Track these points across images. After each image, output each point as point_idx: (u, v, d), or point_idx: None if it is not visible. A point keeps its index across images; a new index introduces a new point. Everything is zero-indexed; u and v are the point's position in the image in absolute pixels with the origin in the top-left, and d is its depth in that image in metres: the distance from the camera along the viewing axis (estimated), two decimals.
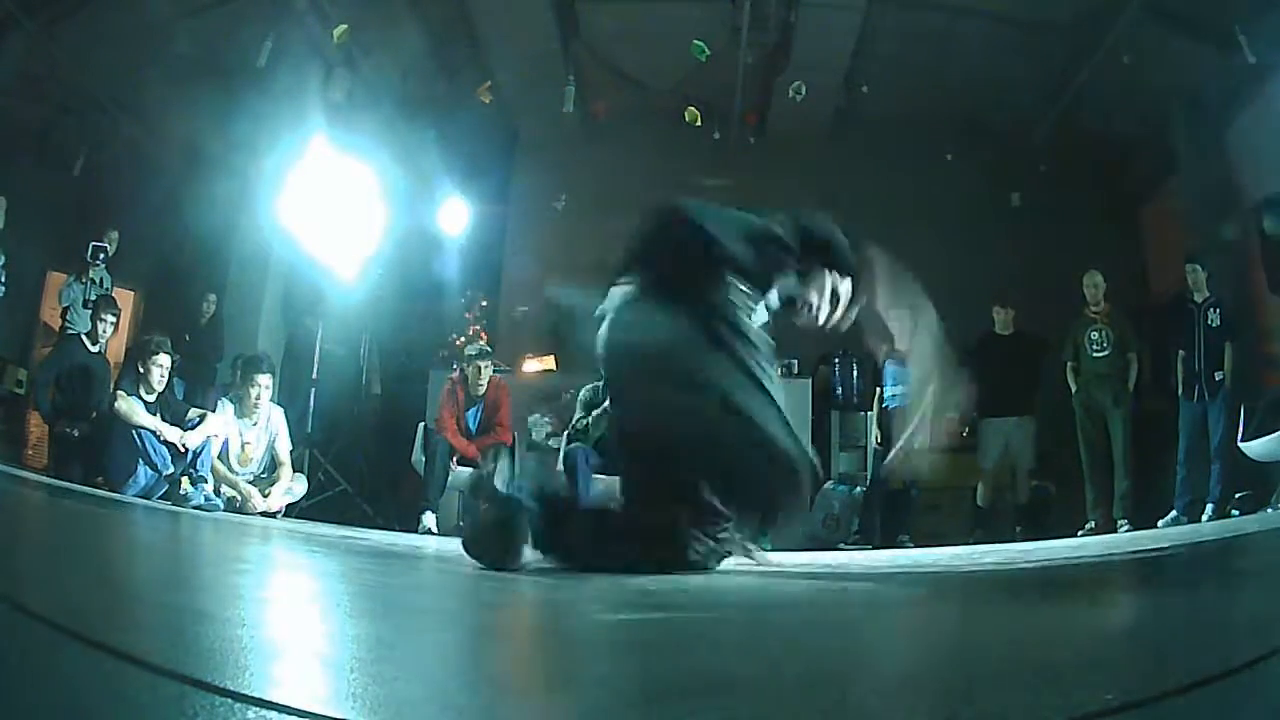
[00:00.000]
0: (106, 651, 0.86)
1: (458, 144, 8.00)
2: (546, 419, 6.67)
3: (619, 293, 2.52)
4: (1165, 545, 3.79)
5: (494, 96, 7.92)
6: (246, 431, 5.38)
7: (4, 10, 5.83)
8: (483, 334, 7.79)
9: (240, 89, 6.74)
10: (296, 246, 6.81)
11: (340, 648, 1.15)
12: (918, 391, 6.26)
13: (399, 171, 7.29)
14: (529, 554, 2.36)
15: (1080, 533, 5.61)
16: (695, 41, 6.88)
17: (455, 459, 5.79)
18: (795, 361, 7.02)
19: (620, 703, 0.87)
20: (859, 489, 6.34)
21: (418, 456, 6.05)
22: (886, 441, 6.17)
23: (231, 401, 5.39)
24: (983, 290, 6.63)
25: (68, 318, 6.14)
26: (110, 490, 4.85)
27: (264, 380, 5.39)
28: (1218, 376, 5.62)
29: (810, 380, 7.10)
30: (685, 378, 2.29)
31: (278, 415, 5.52)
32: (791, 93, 7.59)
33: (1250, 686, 0.87)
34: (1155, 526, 5.45)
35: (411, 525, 5.58)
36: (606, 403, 5.62)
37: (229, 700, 0.72)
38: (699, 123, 7.69)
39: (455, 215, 7.78)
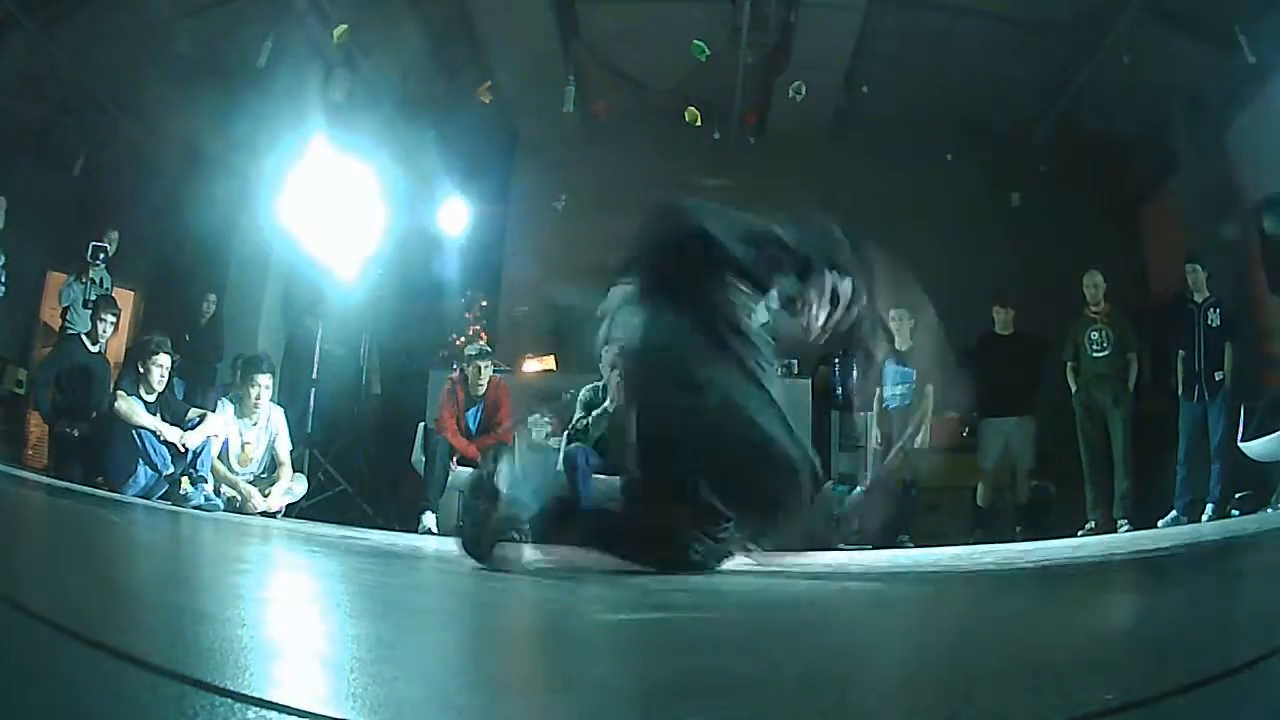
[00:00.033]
0: (106, 651, 0.86)
1: (458, 144, 8.00)
2: (546, 419, 6.67)
3: (619, 293, 2.52)
4: (1165, 545, 3.78)
5: (494, 96, 7.91)
6: (246, 431, 5.37)
7: (4, 10, 5.83)
8: (483, 334, 7.79)
9: (240, 89, 6.73)
10: (296, 246, 6.80)
11: (340, 648, 1.15)
12: (918, 390, 6.29)
13: (399, 171, 7.29)
14: (529, 553, 2.36)
15: (1080, 533, 5.61)
16: (695, 41, 6.88)
17: (455, 459, 5.78)
18: (795, 361, 7.01)
19: (620, 703, 0.87)
20: (859, 489, 6.34)
21: (418, 456, 6.05)
22: (887, 441, 6.17)
23: (231, 401, 5.38)
24: (983, 290, 6.62)
25: (68, 318, 6.13)
26: (110, 490, 4.85)
27: (264, 380, 5.39)
28: (1218, 376, 5.62)
29: (810, 380, 7.10)
30: (686, 378, 2.30)
31: (278, 415, 5.52)
32: (791, 93, 7.59)
33: (1250, 686, 0.87)
34: (1155, 526, 5.45)
35: (411, 525, 5.58)
36: (606, 403, 5.63)
37: (229, 700, 0.73)
38: (699, 123, 7.69)
39: (455, 215, 7.77)
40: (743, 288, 2.42)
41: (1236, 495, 5.24)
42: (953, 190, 7.82)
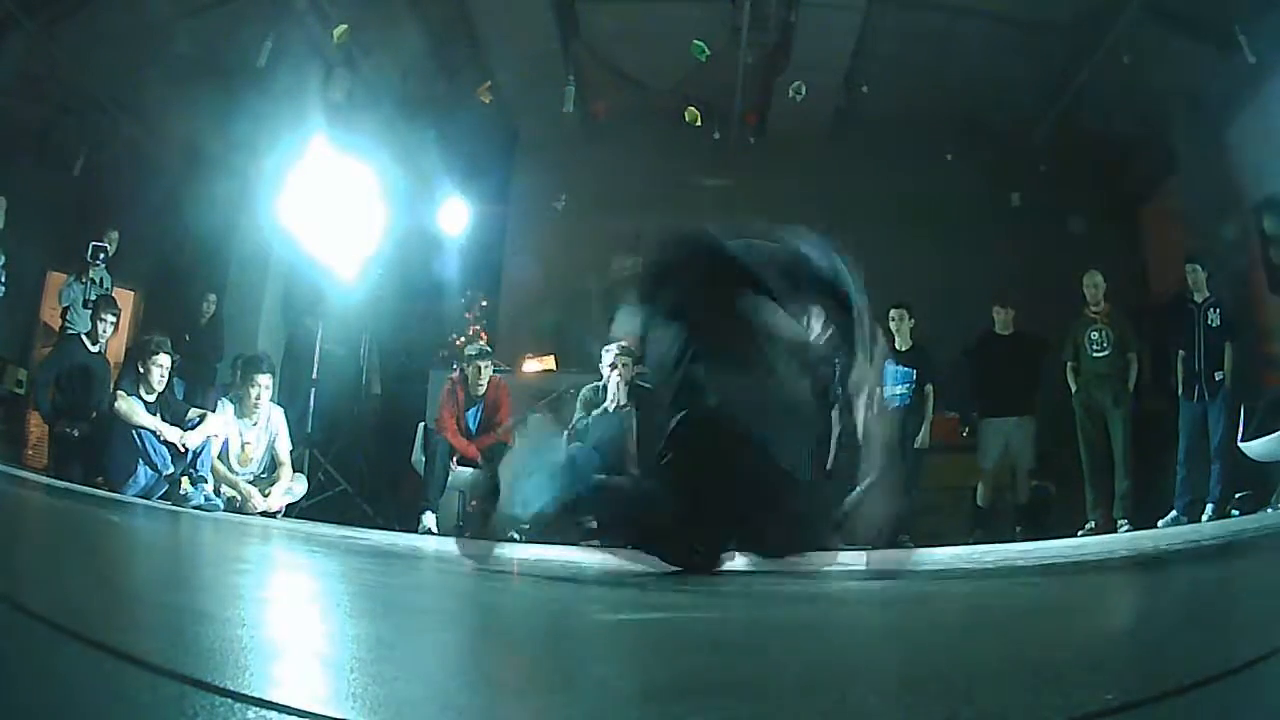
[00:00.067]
0: (106, 651, 0.86)
1: (458, 144, 8.00)
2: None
3: (630, 312, 2.56)
4: (1165, 545, 3.79)
5: (494, 96, 7.92)
6: (246, 431, 5.37)
7: (4, 10, 5.83)
8: (483, 334, 7.79)
9: (240, 89, 6.73)
10: (296, 246, 6.80)
11: (340, 648, 1.15)
12: (918, 390, 6.29)
13: (399, 171, 7.29)
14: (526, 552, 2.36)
15: (1080, 533, 5.61)
16: (695, 41, 6.88)
17: (455, 459, 5.78)
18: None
19: (620, 703, 0.87)
20: (858, 489, 6.33)
21: (418, 456, 6.05)
22: (887, 441, 6.17)
23: (231, 401, 5.38)
24: (983, 290, 6.63)
25: (68, 318, 6.13)
26: (110, 490, 4.84)
27: (264, 380, 5.39)
28: (1218, 376, 5.61)
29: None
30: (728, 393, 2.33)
31: (278, 415, 5.52)
32: (791, 93, 7.59)
33: (1250, 686, 0.87)
34: (1155, 526, 5.45)
35: (411, 525, 5.58)
36: (606, 403, 5.63)
37: (229, 700, 0.73)
38: (699, 123, 7.69)
39: (455, 215, 7.77)
40: (770, 305, 2.44)
41: (1236, 495, 5.24)
42: (953, 190, 7.82)
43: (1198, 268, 5.87)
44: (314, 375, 6.91)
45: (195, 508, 4.71)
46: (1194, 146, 6.95)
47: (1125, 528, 5.57)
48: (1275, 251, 6.04)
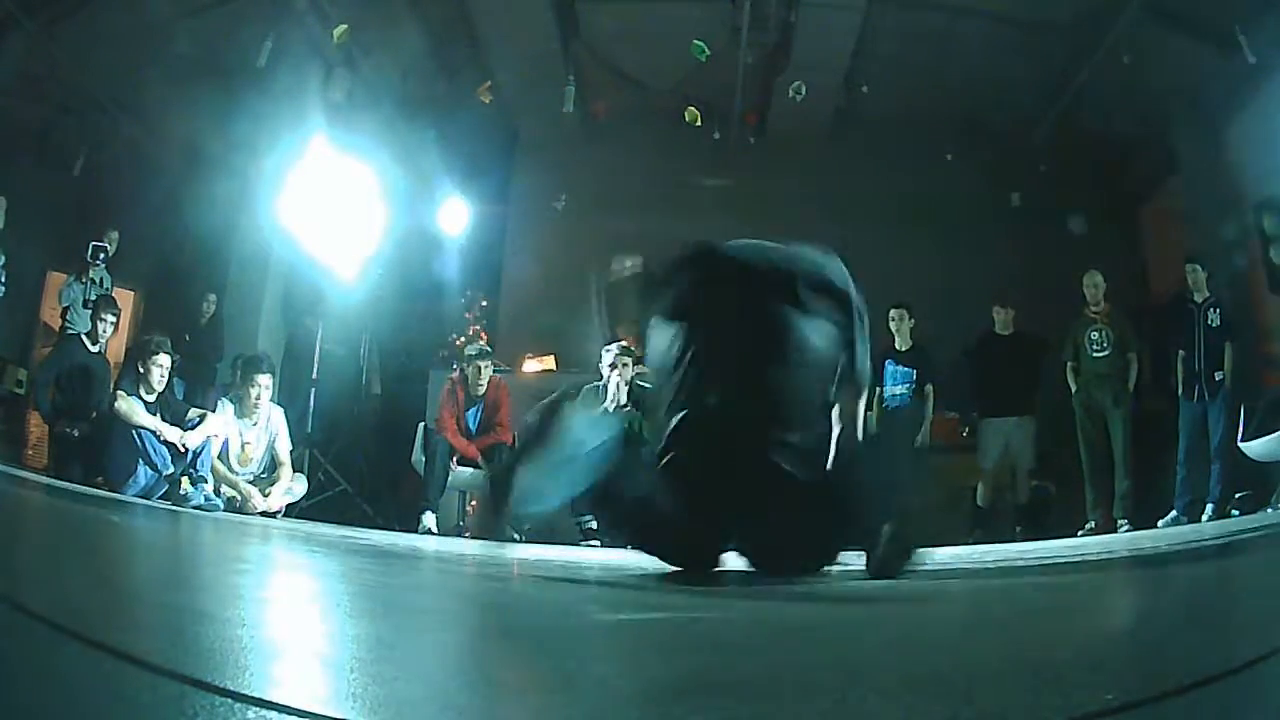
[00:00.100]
0: (106, 651, 0.86)
1: (458, 144, 8.00)
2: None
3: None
4: (1165, 545, 3.79)
5: (494, 96, 7.91)
6: (246, 431, 5.37)
7: (4, 10, 5.83)
8: (483, 334, 7.80)
9: (240, 89, 6.73)
10: (296, 246, 6.80)
11: (340, 648, 1.15)
12: (918, 390, 6.29)
13: (399, 171, 7.29)
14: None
15: (1080, 533, 5.61)
16: (695, 41, 6.88)
17: (455, 459, 5.78)
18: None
19: (620, 703, 0.87)
20: None
21: (418, 456, 6.05)
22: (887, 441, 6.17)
23: (231, 401, 5.38)
24: (983, 290, 6.63)
25: (68, 318, 6.13)
26: (110, 490, 4.85)
27: (264, 380, 5.39)
28: (1218, 376, 5.61)
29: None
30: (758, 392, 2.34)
31: (278, 415, 5.52)
32: (791, 93, 7.59)
33: (1250, 686, 0.87)
34: (1155, 526, 5.45)
35: (411, 525, 5.58)
36: (606, 403, 5.63)
37: (229, 700, 0.73)
38: (699, 123, 7.69)
39: (455, 215, 7.78)
40: (770, 304, 2.45)
41: (1236, 495, 5.24)
42: (953, 190, 7.82)
43: (1198, 268, 5.87)
44: (314, 375, 6.91)
45: (195, 508, 4.71)
46: (1194, 146, 6.96)
47: (1125, 528, 5.57)
48: (1275, 251, 6.05)
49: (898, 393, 6.21)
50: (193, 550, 2.94)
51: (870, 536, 2.22)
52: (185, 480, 4.92)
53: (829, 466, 2.32)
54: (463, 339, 7.56)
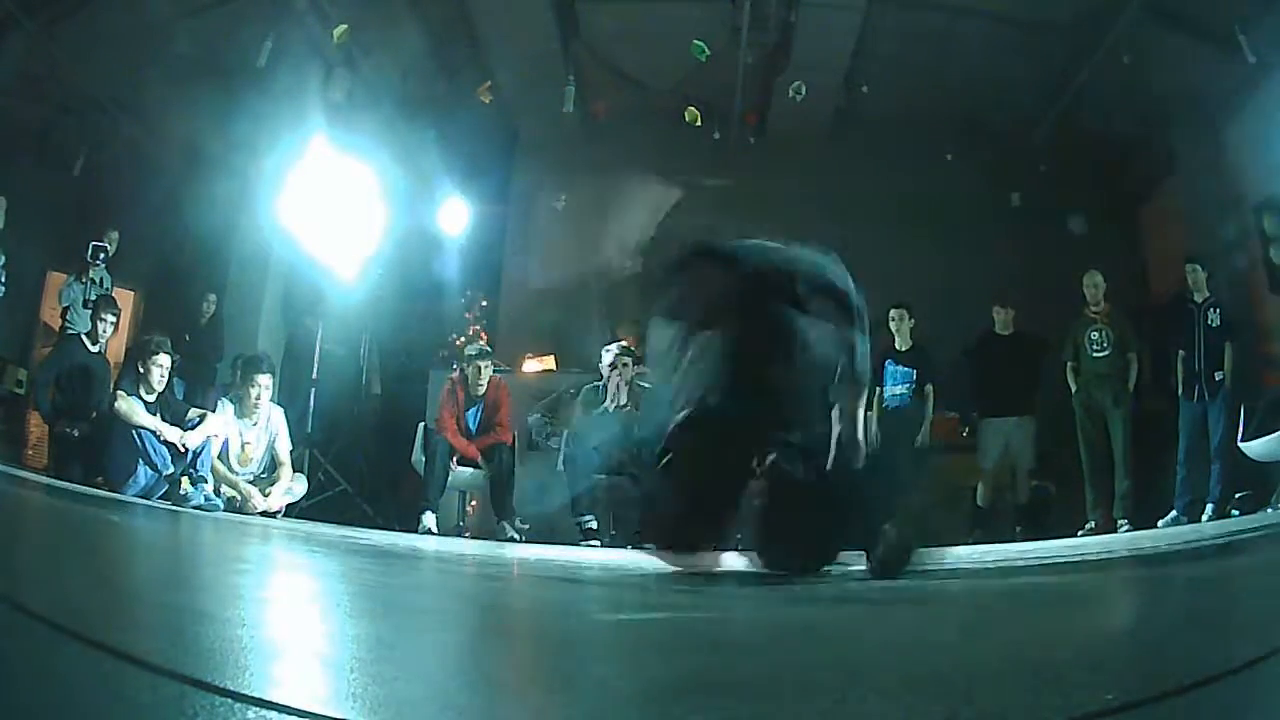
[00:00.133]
0: (106, 651, 0.86)
1: (458, 144, 8.00)
2: (546, 419, 6.67)
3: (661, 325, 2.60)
4: (1165, 545, 3.79)
5: (494, 96, 7.91)
6: (246, 431, 5.37)
7: (4, 10, 5.83)
8: (483, 334, 7.80)
9: (240, 89, 6.73)
10: (296, 246, 6.80)
11: (340, 648, 1.15)
12: (918, 390, 6.30)
13: (399, 171, 7.29)
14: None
15: (1080, 533, 5.61)
16: (695, 41, 6.88)
17: (455, 459, 5.78)
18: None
19: (620, 703, 0.87)
20: None
21: (418, 456, 6.05)
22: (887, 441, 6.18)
23: (231, 401, 5.38)
24: (983, 290, 6.62)
25: (68, 318, 6.13)
26: (110, 490, 4.84)
27: (264, 380, 5.39)
28: (1218, 376, 5.61)
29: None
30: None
31: (278, 415, 5.52)
32: (791, 93, 7.59)
33: (1250, 686, 0.87)
34: (1155, 526, 5.45)
35: (411, 525, 5.58)
36: (606, 403, 5.63)
37: (229, 700, 0.73)
38: (699, 123, 7.69)
39: (455, 215, 7.77)
40: (773, 303, 2.45)
41: (1236, 495, 5.24)
42: (953, 190, 7.82)
43: (1198, 268, 5.87)
44: (314, 375, 6.91)
45: (195, 508, 4.71)
46: (1194, 146, 6.96)
47: (1125, 528, 5.57)
48: (1275, 251, 6.04)
49: (898, 393, 6.21)
50: (193, 550, 2.94)
51: (871, 536, 2.22)
52: (185, 480, 4.92)
53: (829, 467, 2.31)
54: (463, 339, 7.55)
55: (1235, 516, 5.07)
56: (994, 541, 5.45)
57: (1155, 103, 7.06)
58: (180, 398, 5.56)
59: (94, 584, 1.52)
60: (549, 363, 7.54)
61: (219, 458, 5.15)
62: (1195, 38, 6.33)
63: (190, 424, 5.05)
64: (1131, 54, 6.52)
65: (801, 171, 7.93)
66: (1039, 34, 6.96)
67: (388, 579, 2.34)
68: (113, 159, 7.19)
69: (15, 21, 5.94)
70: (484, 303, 8.25)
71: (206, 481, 4.93)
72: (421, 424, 6.29)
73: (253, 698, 0.74)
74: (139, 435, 4.90)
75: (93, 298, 6.14)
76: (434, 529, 5.49)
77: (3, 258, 5.95)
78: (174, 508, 4.69)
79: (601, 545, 5.25)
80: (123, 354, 6.62)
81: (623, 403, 5.62)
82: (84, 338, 5.92)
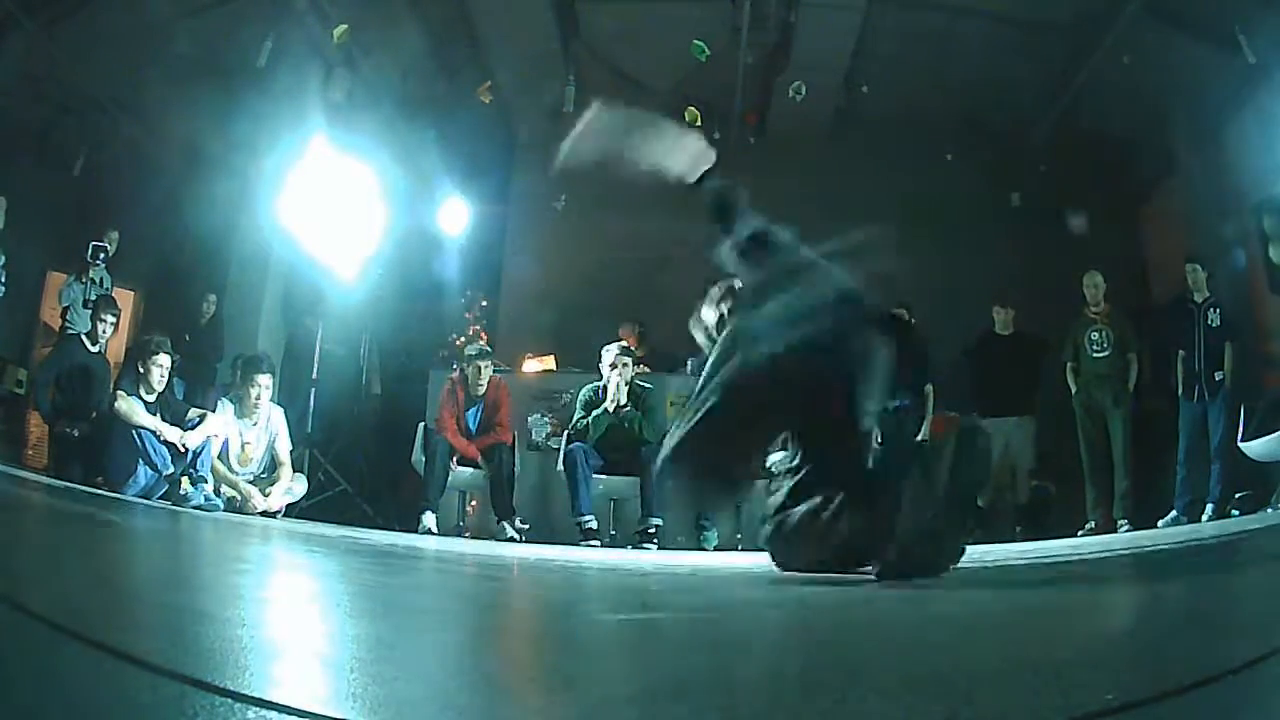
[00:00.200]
0: (106, 651, 0.86)
1: (458, 144, 8.00)
2: (546, 419, 6.67)
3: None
4: (1165, 545, 3.79)
5: (494, 96, 7.91)
6: (246, 431, 5.37)
7: (4, 10, 5.83)
8: (483, 334, 7.80)
9: (240, 89, 6.73)
10: (296, 246, 6.80)
11: (340, 648, 1.15)
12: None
13: (399, 171, 7.29)
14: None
15: (1080, 533, 5.61)
16: (695, 41, 6.88)
17: (455, 459, 5.78)
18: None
19: (620, 703, 0.87)
20: None
21: (418, 456, 6.05)
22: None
23: (231, 401, 5.38)
24: (983, 290, 6.62)
25: (68, 318, 6.13)
26: (110, 490, 4.84)
27: (264, 380, 5.39)
28: (1218, 376, 5.62)
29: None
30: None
31: (278, 415, 5.52)
32: (791, 93, 7.59)
33: (1250, 686, 0.87)
34: (1155, 526, 5.45)
35: (411, 525, 5.57)
36: (606, 403, 5.63)
37: (229, 700, 0.73)
38: (699, 123, 7.68)
39: (455, 215, 7.77)
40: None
41: (1236, 495, 5.24)
42: (953, 190, 7.81)
43: (1198, 268, 5.87)
44: (314, 375, 6.91)
45: (195, 508, 4.71)
46: (1194, 146, 6.96)
47: (1125, 528, 5.57)
48: (1275, 251, 6.04)
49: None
50: (193, 550, 2.94)
51: (884, 540, 2.21)
52: (185, 480, 4.92)
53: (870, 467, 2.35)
54: (463, 339, 7.55)
55: (1235, 516, 5.07)
56: (994, 541, 5.45)
57: (1155, 103, 7.06)
58: (180, 398, 5.56)
59: (94, 584, 1.52)
60: (549, 363, 7.53)
61: (219, 458, 5.15)
62: (1195, 38, 6.33)
63: (190, 424, 5.05)
64: (1131, 54, 6.53)
65: (801, 171, 7.92)
66: (1039, 34, 6.97)
67: (388, 579, 2.34)
68: (113, 159, 7.19)
69: (15, 21, 5.95)
70: (484, 303, 8.26)
71: (206, 481, 4.93)
72: (421, 424, 6.29)
73: (253, 698, 0.74)
74: (139, 435, 4.90)
75: (93, 298, 6.15)
76: (434, 529, 5.49)
77: (3, 258, 5.95)
78: (174, 508, 4.69)
79: (601, 545, 5.25)
80: (123, 354, 6.62)
81: (623, 403, 5.62)
82: (84, 338, 5.92)
